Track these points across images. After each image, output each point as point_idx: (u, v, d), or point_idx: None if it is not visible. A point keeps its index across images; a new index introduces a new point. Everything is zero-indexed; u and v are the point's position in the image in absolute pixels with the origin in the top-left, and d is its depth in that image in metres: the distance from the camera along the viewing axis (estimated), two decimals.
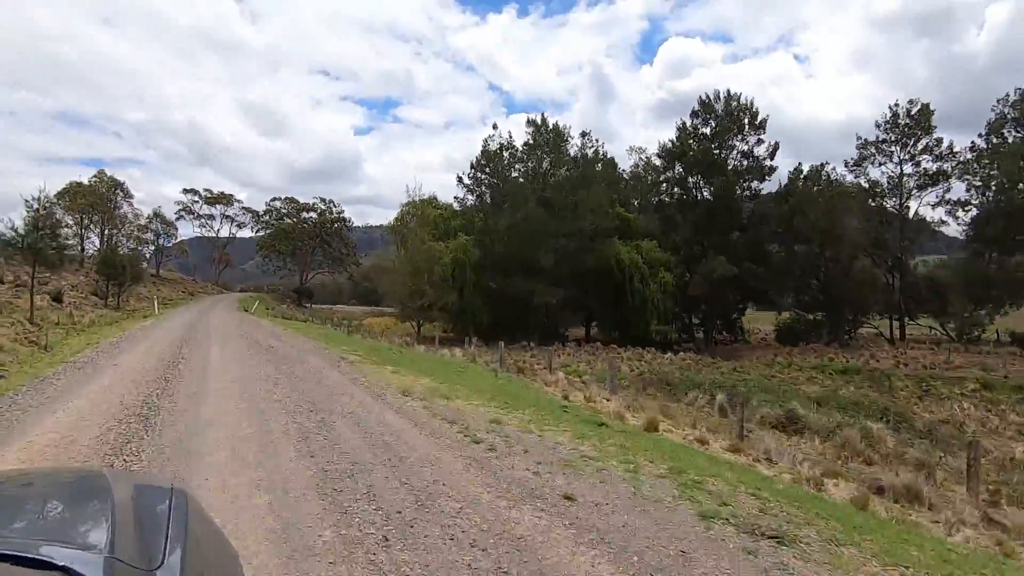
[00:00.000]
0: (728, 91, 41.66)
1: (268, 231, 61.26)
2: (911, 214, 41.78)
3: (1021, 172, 34.93)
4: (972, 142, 39.02)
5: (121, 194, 49.88)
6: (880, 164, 42.03)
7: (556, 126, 39.43)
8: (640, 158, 50.72)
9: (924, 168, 40.85)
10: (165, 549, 0.91)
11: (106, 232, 47.63)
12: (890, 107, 41.22)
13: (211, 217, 61.38)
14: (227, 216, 62.11)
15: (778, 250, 42.84)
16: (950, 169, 40.18)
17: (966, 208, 39.16)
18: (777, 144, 42.06)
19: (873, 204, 41.93)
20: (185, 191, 60.47)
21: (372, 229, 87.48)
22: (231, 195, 62.62)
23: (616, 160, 45.43)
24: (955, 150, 39.86)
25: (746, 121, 41.57)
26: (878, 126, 41.72)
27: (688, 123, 42.55)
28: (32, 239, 19.27)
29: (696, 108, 42.21)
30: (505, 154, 40.03)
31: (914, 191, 41.68)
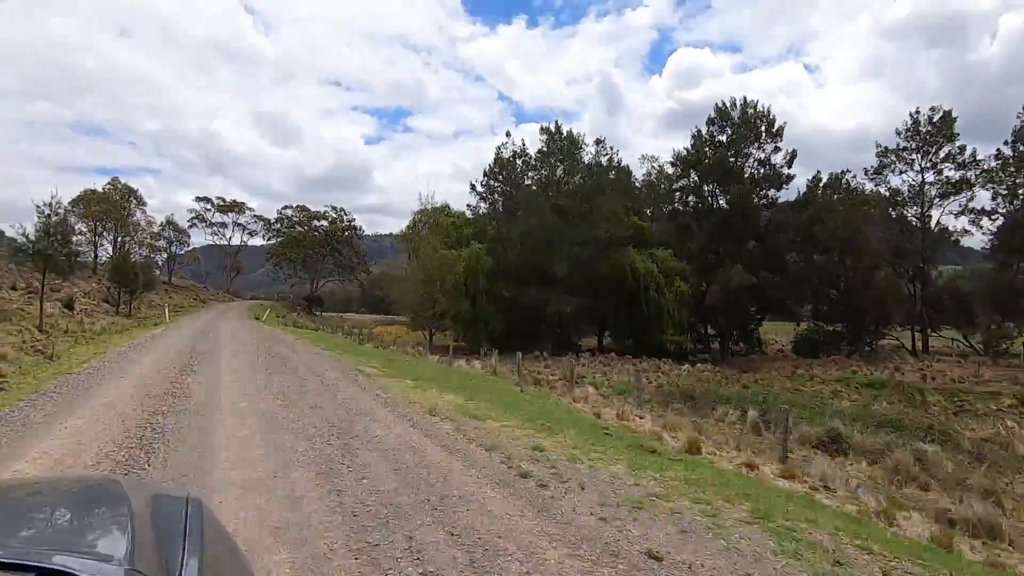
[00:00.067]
0: (744, 98, 41.09)
1: (279, 239, 61.19)
2: (933, 223, 40.75)
3: None
4: (997, 150, 38.01)
5: (134, 201, 50.00)
6: (901, 172, 41.13)
7: (570, 133, 38.98)
8: (652, 166, 50.12)
9: (946, 176, 39.86)
10: (182, 560, 0.90)
11: (119, 239, 47.69)
12: (911, 114, 40.36)
13: (223, 225, 61.52)
14: (239, 224, 62.23)
15: (796, 259, 41.92)
16: (973, 177, 39.15)
17: (992, 217, 38.08)
18: (795, 152, 41.34)
19: (893, 213, 40.95)
20: (198, 199, 60.69)
21: (382, 237, 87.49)
22: (243, 203, 62.79)
23: (630, 168, 44.85)
24: (978, 158, 38.87)
25: (763, 129, 40.87)
26: (898, 133, 40.85)
27: (704, 131, 41.95)
28: (42, 245, 18.93)
29: (712, 116, 41.61)
30: (518, 162, 39.60)
31: (936, 200, 40.67)
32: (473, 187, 40.64)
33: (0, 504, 1.13)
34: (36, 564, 0.75)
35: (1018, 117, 37.20)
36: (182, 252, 57.61)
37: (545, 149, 38.94)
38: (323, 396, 7.97)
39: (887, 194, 41.33)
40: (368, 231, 67.41)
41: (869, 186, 42.00)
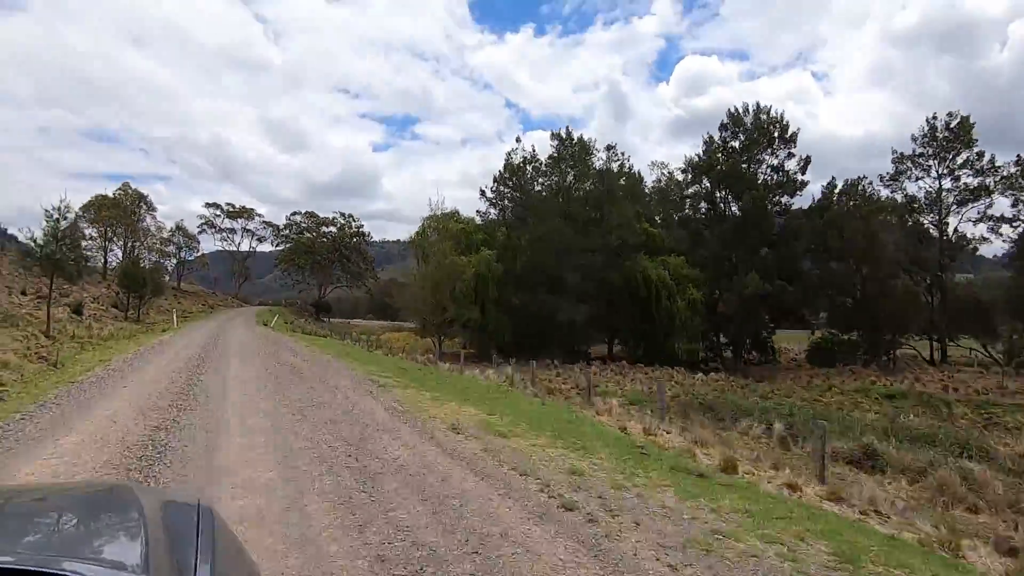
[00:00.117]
0: (757, 104, 40.57)
1: (288, 245, 61.15)
2: (950, 230, 39.95)
3: None
4: (1018, 155, 37.24)
5: (145, 207, 50.06)
6: (917, 179, 40.41)
7: (581, 139, 38.60)
8: (662, 173, 49.64)
9: (964, 183, 39.09)
10: (195, 568, 0.90)
11: (129, 244, 47.72)
12: (927, 120, 39.68)
13: (232, 231, 61.54)
14: (248, 230, 62.23)
15: (811, 267, 41.19)
16: (992, 184, 38.37)
17: (1014, 224, 37.24)
18: (808, 158, 40.68)
19: (909, 221, 40.19)
20: (207, 205, 60.78)
21: (389, 244, 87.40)
22: (252, 209, 62.84)
23: (641, 174, 44.40)
24: (997, 164, 38.10)
25: (776, 134, 40.32)
26: (914, 139, 40.18)
27: (716, 136, 41.47)
28: (50, 250, 18.68)
29: (725, 121, 41.13)
30: (528, 168, 39.24)
31: (954, 207, 39.89)
32: (483, 193, 40.34)
33: (14, 509, 1.12)
34: (52, 571, 0.74)
35: None
36: (191, 258, 57.70)
37: (556, 155, 38.57)
38: (336, 409, 7.51)
39: (903, 201, 40.62)
40: (375, 237, 67.28)
41: (884, 192, 41.32)
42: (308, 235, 60.60)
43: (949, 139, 38.95)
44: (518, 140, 55.39)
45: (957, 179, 39.23)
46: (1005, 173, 37.46)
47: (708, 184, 42.10)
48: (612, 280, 35.60)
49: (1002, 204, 38.04)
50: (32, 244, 18.67)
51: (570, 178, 38.71)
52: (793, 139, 40.29)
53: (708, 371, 32.61)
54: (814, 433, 13.01)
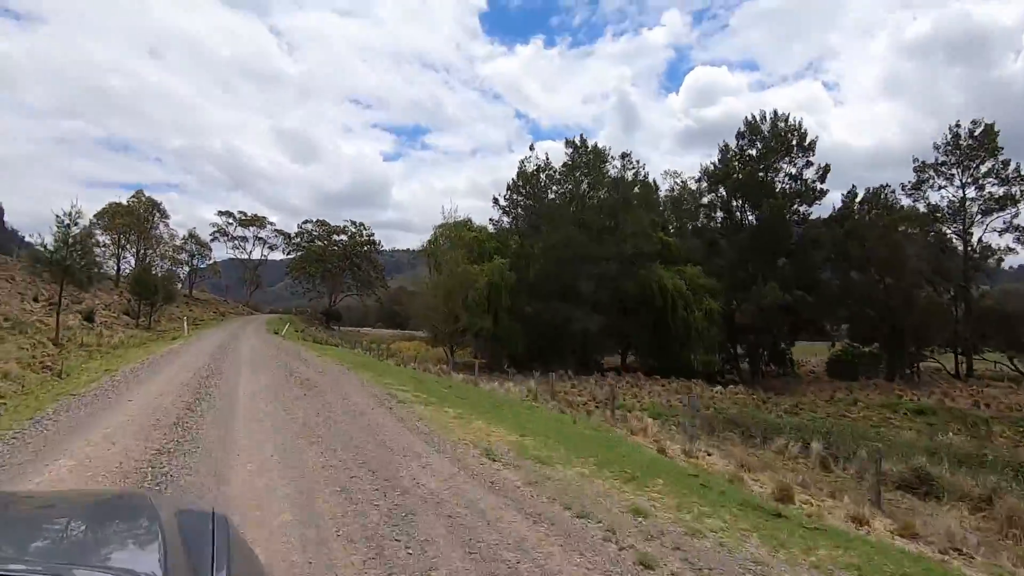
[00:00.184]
0: (775, 112, 39.89)
1: (299, 253, 61.02)
2: (975, 240, 38.80)
3: None
4: None
5: (158, 214, 50.13)
6: (940, 188, 39.37)
7: (596, 147, 38.07)
8: (676, 182, 48.96)
9: (989, 192, 38.02)
10: (212, 575, 0.90)
11: (141, 252, 47.73)
12: (950, 127, 38.77)
13: (244, 239, 61.51)
14: (260, 238, 62.18)
15: (830, 277, 40.17)
16: (1019, 193, 37.27)
17: None
18: (827, 167, 39.80)
19: (932, 232, 39.09)
20: (220, 213, 60.85)
21: (399, 253, 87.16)
22: (264, 217, 62.84)
23: (656, 182, 43.76)
24: (1023, 173, 37.01)
25: (794, 142, 39.58)
26: (937, 148, 39.22)
27: (733, 145, 40.77)
28: (60, 256, 18.34)
29: (742, 129, 40.48)
30: (542, 176, 38.75)
31: (978, 216, 38.77)
32: (496, 201, 39.89)
33: (31, 516, 1.11)
34: None
35: None
36: (204, 265, 57.69)
37: (570, 163, 38.06)
38: (356, 430, 6.88)
39: (925, 210, 39.57)
40: (386, 246, 66.91)
41: (906, 202, 40.29)
42: (319, 243, 60.47)
43: (973, 147, 37.98)
44: (532, 148, 54.89)
45: (981, 188, 38.18)
46: None
47: (724, 193, 41.39)
48: (627, 289, 34.84)
49: None
50: (42, 249, 18.34)
51: (584, 186, 38.14)
52: (811, 147, 39.52)
53: (726, 383, 31.67)
54: (860, 455, 12.15)
